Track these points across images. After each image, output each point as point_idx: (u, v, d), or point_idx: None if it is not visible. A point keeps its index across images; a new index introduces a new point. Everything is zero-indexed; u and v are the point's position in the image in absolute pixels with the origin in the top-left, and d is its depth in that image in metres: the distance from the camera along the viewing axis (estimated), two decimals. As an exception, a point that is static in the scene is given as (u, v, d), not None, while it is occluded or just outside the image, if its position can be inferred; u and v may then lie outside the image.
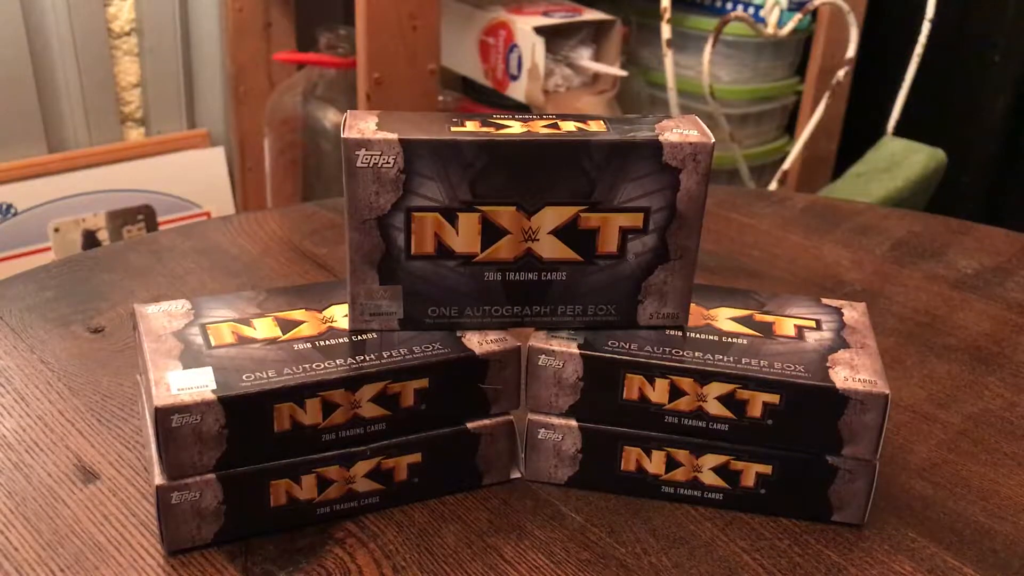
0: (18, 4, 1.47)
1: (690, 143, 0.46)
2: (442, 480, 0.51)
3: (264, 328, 0.49)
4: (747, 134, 1.79)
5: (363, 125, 0.45)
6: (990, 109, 1.83)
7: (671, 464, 0.50)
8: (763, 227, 0.84)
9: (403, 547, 0.48)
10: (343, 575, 0.46)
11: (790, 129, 1.87)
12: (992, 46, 1.79)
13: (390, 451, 0.49)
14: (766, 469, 0.50)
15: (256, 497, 0.47)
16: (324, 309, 0.51)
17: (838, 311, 0.54)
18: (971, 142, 1.84)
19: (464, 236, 0.47)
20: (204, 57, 1.69)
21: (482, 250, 0.47)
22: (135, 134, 1.66)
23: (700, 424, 0.49)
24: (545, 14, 1.58)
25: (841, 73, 1.45)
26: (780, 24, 1.48)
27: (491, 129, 0.46)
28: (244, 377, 0.45)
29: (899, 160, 1.44)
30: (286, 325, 0.49)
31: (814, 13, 1.70)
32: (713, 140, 0.47)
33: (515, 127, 0.46)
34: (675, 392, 0.49)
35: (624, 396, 0.49)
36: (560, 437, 0.51)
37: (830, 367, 0.49)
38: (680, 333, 0.51)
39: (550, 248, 0.48)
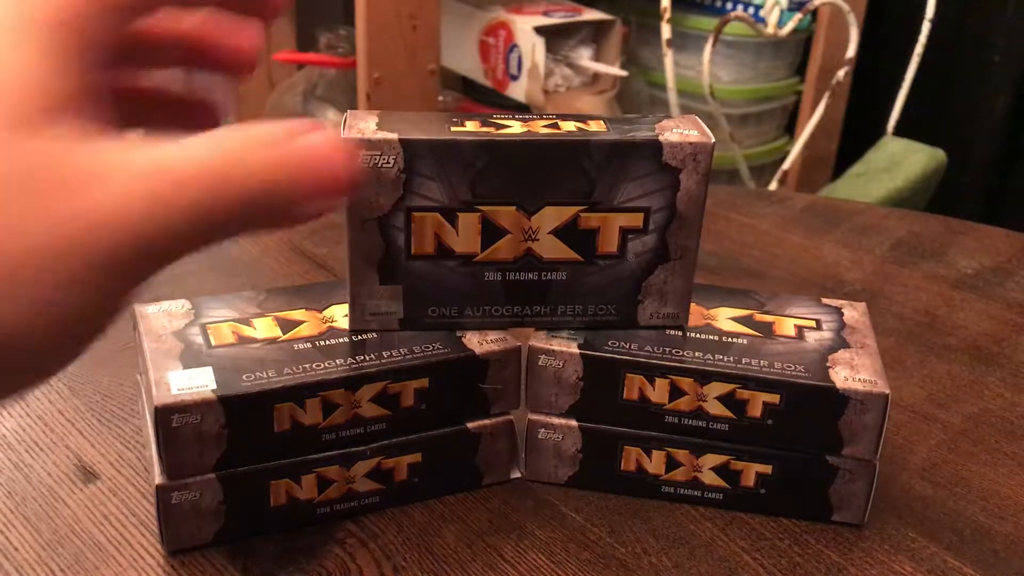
0: (18, 4, 1.47)
1: (690, 143, 0.46)
2: (442, 480, 0.51)
3: (264, 328, 0.49)
4: (747, 134, 1.79)
5: (363, 125, 0.45)
6: (990, 109, 1.83)
7: (671, 464, 0.51)
8: (763, 227, 0.84)
9: (403, 547, 0.48)
10: (343, 575, 0.46)
11: (790, 129, 1.87)
12: (992, 46, 1.79)
13: (390, 451, 0.49)
14: (766, 469, 0.50)
15: (256, 497, 0.47)
16: (324, 309, 0.51)
17: (838, 311, 0.54)
18: (971, 142, 1.84)
19: (464, 236, 0.47)
20: (204, 57, 1.69)
21: (482, 250, 0.47)
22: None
23: (700, 424, 0.49)
24: (545, 14, 1.58)
25: (841, 73, 1.45)
26: (780, 24, 1.48)
27: (491, 129, 0.46)
28: (244, 377, 0.45)
29: (899, 160, 1.44)
30: (286, 325, 0.49)
31: (814, 13, 1.70)
32: (713, 140, 0.47)
33: (515, 127, 0.46)
34: (675, 392, 0.49)
35: (624, 396, 0.49)
36: (560, 437, 0.51)
37: (830, 367, 0.49)
38: (680, 333, 0.51)
39: (550, 248, 0.48)
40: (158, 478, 0.45)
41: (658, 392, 0.49)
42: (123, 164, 0.25)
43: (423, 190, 0.46)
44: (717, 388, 0.48)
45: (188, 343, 0.47)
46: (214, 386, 0.45)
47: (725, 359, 0.49)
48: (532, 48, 1.52)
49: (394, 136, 0.45)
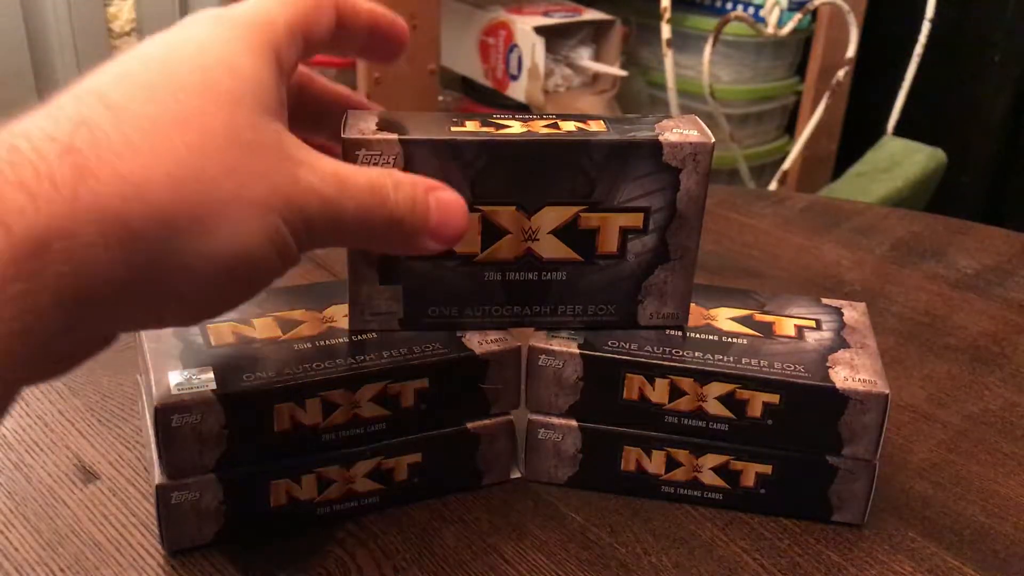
0: (18, 4, 1.47)
1: (690, 143, 0.46)
2: (442, 480, 0.51)
3: (264, 328, 0.49)
4: (747, 134, 1.79)
5: (363, 125, 0.45)
6: (990, 109, 1.83)
7: (671, 464, 0.51)
8: (763, 227, 0.84)
9: (403, 547, 0.48)
10: (343, 575, 0.46)
11: (790, 129, 1.87)
12: (992, 46, 1.79)
13: (390, 451, 0.49)
14: (766, 469, 0.50)
15: (256, 497, 0.47)
16: (324, 309, 0.51)
17: (838, 311, 0.54)
18: (971, 142, 1.84)
19: (464, 236, 0.47)
20: (204, 57, 1.69)
21: (482, 250, 0.47)
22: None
23: (700, 424, 0.49)
24: (545, 14, 1.58)
25: (841, 73, 1.46)
26: (780, 24, 1.48)
27: (491, 129, 0.46)
28: (244, 377, 0.45)
29: (899, 160, 1.44)
30: (286, 325, 0.49)
31: (814, 13, 1.70)
32: (713, 140, 0.47)
33: (515, 127, 0.46)
34: (675, 392, 0.49)
35: (624, 396, 0.49)
36: (560, 437, 0.51)
37: (830, 367, 0.49)
38: (680, 333, 0.51)
39: (550, 248, 0.48)
40: (158, 478, 0.45)
41: (658, 392, 0.49)
42: (314, 158, 0.36)
43: None
44: (717, 388, 0.48)
45: (188, 343, 0.47)
46: (214, 386, 0.45)
47: (725, 359, 0.49)
48: (532, 48, 1.52)
49: (394, 136, 0.45)
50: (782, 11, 1.52)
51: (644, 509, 0.51)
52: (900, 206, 1.18)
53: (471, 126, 0.46)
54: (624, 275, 0.49)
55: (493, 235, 0.47)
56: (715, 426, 0.49)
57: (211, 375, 0.45)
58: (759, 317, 0.52)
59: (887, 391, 0.47)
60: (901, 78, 1.52)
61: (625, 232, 0.48)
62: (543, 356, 0.49)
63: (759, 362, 0.49)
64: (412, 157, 0.45)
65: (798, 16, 1.46)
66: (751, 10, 1.63)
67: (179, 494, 0.45)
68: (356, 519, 0.49)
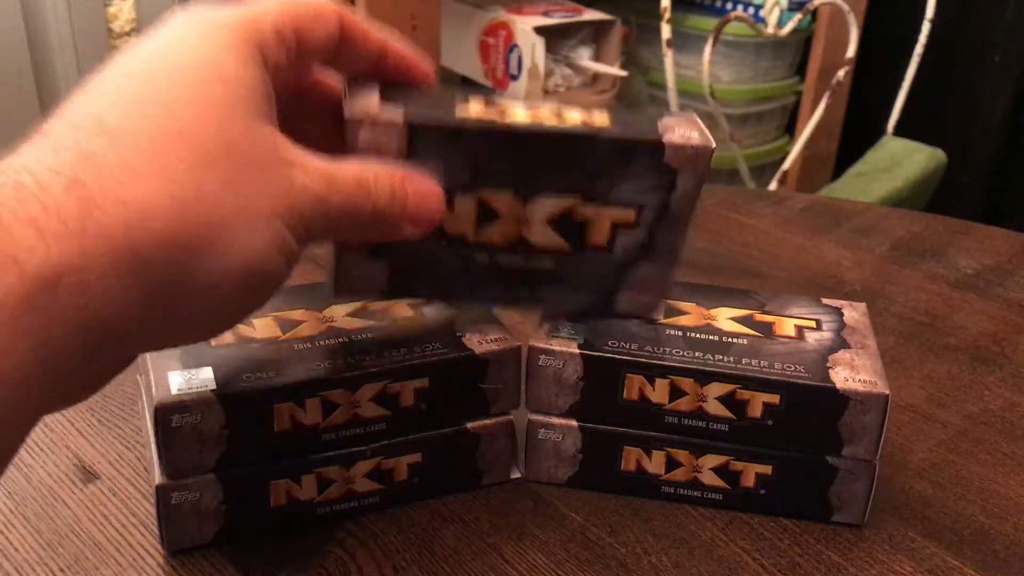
0: (18, 4, 1.47)
1: (692, 146, 0.46)
2: (442, 480, 0.51)
3: (264, 327, 0.49)
4: (747, 134, 1.79)
5: (366, 100, 0.44)
6: (990, 109, 1.83)
7: (671, 464, 0.51)
8: (763, 227, 0.84)
9: (403, 547, 0.48)
10: (343, 575, 0.46)
11: (790, 129, 1.87)
12: (992, 46, 1.79)
13: (390, 451, 0.49)
14: (766, 469, 0.50)
15: (256, 497, 0.47)
16: (324, 309, 0.51)
17: (838, 311, 0.54)
18: (971, 142, 1.84)
19: (459, 218, 0.46)
20: (204, 57, 1.69)
21: (475, 232, 0.47)
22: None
23: (700, 424, 0.49)
24: (545, 14, 1.58)
25: (841, 73, 1.46)
26: (780, 24, 1.48)
27: (496, 114, 0.45)
28: (244, 376, 0.45)
29: (899, 160, 1.44)
30: (286, 325, 0.49)
31: (814, 13, 1.70)
32: (714, 145, 0.47)
33: (520, 113, 0.46)
34: (675, 392, 0.49)
35: (624, 396, 0.49)
36: (560, 437, 0.51)
37: (830, 367, 0.49)
38: (680, 333, 0.51)
39: (541, 236, 0.47)
40: (158, 478, 0.45)
41: (658, 392, 0.49)
42: (305, 158, 0.37)
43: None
44: (717, 388, 0.48)
45: (188, 343, 0.47)
46: (214, 386, 0.45)
47: (725, 359, 0.49)
48: (532, 48, 1.52)
49: (399, 120, 0.44)
50: (782, 11, 1.52)
51: (644, 509, 0.51)
52: (900, 206, 1.18)
53: (475, 106, 0.46)
54: (608, 267, 0.48)
55: (487, 219, 0.47)
56: (715, 426, 0.49)
57: (211, 375, 0.45)
58: (759, 317, 0.52)
59: (887, 391, 0.47)
60: (901, 78, 1.52)
61: (616, 226, 0.48)
62: (543, 356, 0.49)
63: (759, 362, 0.49)
64: (415, 140, 0.44)
65: (798, 16, 1.46)
66: (751, 10, 1.63)
67: (179, 494, 0.45)
68: (356, 519, 0.49)
